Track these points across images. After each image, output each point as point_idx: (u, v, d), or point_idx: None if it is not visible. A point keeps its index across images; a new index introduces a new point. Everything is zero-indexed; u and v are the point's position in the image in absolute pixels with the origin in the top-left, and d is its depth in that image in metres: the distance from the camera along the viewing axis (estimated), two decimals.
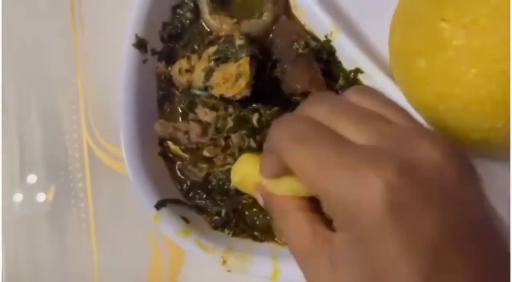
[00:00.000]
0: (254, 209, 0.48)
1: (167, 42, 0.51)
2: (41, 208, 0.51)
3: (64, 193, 0.51)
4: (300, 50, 0.47)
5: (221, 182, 0.48)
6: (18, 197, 0.51)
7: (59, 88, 0.53)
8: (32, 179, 0.52)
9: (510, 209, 0.43)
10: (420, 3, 0.43)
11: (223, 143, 0.45)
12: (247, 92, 0.44)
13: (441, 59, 0.39)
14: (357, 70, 0.49)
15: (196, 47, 0.51)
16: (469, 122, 0.41)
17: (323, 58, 0.49)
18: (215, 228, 0.47)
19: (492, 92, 0.38)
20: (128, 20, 0.49)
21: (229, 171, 0.45)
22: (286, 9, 0.51)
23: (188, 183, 0.49)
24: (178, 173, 0.50)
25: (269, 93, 0.48)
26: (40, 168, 0.52)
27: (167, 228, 0.44)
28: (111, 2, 0.55)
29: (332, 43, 0.49)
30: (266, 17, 0.50)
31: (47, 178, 0.52)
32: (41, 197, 0.51)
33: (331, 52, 0.50)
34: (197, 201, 0.48)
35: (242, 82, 0.44)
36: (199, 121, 0.47)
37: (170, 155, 0.50)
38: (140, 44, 0.48)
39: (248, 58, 0.45)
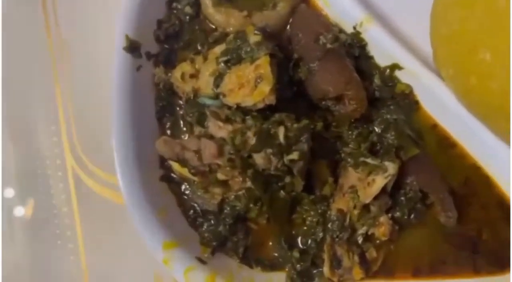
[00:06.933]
0: None
1: (164, 43, 0.43)
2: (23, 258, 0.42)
3: (50, 233, 0.42)
4: (328, 45, 0.40)
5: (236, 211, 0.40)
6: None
7: (35, 102, 0.45)
8: (19, 211, 0.44)
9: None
10: None
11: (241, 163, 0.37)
12: (272, 100, 0.36)
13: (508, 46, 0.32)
14: (395, 66, 0.42)
15: (199, 47, 0.43)
16: None
17: (354, 53, 0.42)
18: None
19: None
20: (115, 19, 0.41)
21: (245, 195, 0.38)
22: None
23: (198, 209, 0.41)
24: (186, 199, 0.41)
25: (292, 99, 0.40)
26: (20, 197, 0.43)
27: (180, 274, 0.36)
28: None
29: (363, 36, 0.42)
30: (281, 7, 0.43)
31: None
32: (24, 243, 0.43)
33: (361, 46, 0.42)
34: (207, 232, 0.40)
35: (265, 87, 0.36)
36: (211, 138, 0.38)
37: (174, 176, 0.42)
38: (132, 48, 0.41)
39: (268, 58, 0.37)
